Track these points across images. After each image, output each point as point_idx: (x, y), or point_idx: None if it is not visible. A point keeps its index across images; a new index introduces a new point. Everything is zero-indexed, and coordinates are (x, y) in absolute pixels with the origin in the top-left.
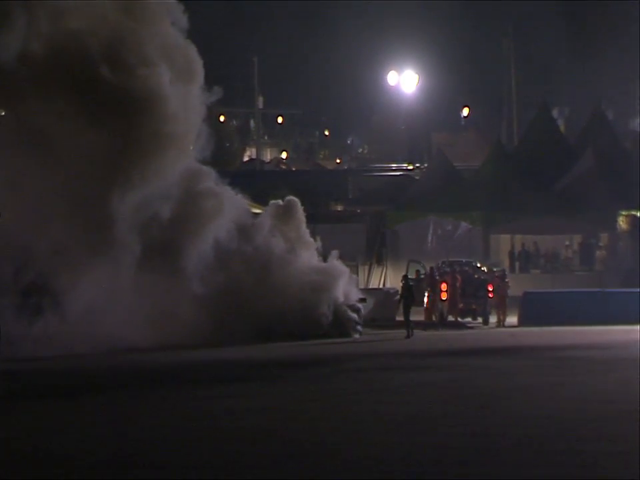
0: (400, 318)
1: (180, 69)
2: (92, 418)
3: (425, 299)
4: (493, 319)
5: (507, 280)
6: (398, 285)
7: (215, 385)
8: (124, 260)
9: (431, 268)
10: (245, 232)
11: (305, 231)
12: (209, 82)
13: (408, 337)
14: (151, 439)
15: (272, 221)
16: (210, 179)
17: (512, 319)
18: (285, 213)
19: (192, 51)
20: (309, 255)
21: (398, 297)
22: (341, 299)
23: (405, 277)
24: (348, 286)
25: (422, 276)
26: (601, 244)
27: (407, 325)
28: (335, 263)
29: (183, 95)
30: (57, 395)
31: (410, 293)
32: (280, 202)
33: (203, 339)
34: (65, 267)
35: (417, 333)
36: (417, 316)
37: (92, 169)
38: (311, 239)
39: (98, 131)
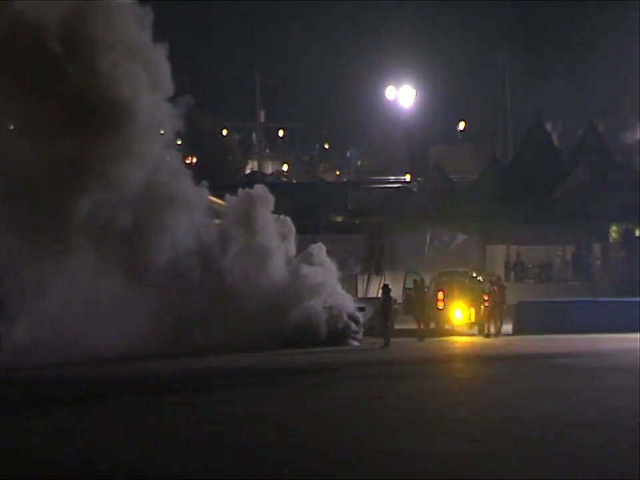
0: (398, 326)
1: (148, 74)
2: (85, 426)
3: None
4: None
5: (494, 288)
6: (396, 294)
7: (213, 392)
8: (81, 268)
9: (422, 279)
10: (204, 253)
11: (271, 234)
12: (212, 96)
13: (385, 345)
14: (148, 446)
15: (233, 229)
16: (181, 180)
17: (507, 327)
18: (246, 216)
19: (160, 55)
20: (276, 265)
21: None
22: (317, 308)
23: (385, 286)
24: (329, 293)
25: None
26: (599, 255)
27: (385, 334)
28: (308, 272)
29: (151, 101)
30: (48, 403)
31: (388, 304)
32: (248, 190)
33: (164, 349)
34: (23, 276)
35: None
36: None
37: (52, 175)
38: (274, 245)
39: (62, 138)
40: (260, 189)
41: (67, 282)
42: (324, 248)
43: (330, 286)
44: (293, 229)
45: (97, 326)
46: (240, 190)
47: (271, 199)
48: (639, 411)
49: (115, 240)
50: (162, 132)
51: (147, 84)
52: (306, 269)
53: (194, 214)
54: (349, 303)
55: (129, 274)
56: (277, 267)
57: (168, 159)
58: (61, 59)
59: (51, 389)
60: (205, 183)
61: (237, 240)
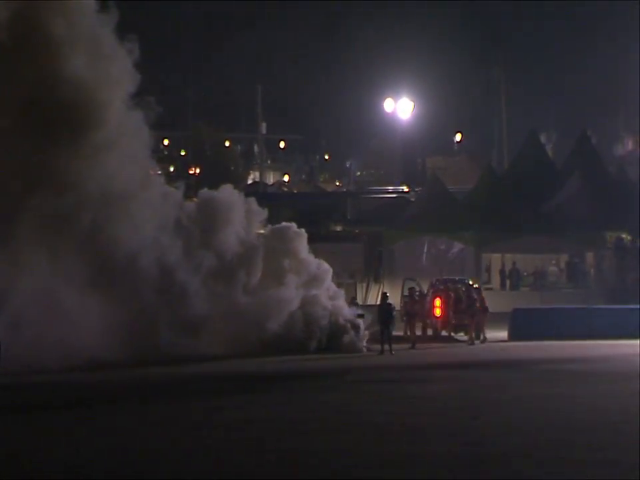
0: (396, 333)
1: (113, 78)
2: (87, 432)
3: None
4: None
5: (473, 296)
6: (395, 301)
7: (217, 397)
8: (39, 272)
9: (411, 289)
10: (164, 270)
11: (238, 256)
12: (215, 108)
13: (381, 353)
14: (151, 452)
15: (193, 246)
16: (146, 188)
17: (502, 334)
18: (208, 231)
19: (125, 59)
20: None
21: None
22: (288, 321)
23: (384, 295)
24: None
25: (417, 293)
26: (592, 263)
27: (382, 342)
28: (272, 294)
29: (116, 105)
30: (49, 409)
31: (388, 311)
32: (209, 195)
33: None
34: None
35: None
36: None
37: (10, 176)
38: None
39: (18, 139)
40: (226, 192)
41: (27, 286)
42: (304, 236)
43: (298, 293)
44: (259, 213)
45: (59, 331)
46: (201, 193)
47: (239, 204)
48: (632, 414)
49: (72, 242)
50: (166, 143)
51: (113, 87)
52: (271, 292)
53: (154, 223)
54: (344, 309)
55: (86, 278)
56: (240, 294)
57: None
58: (16, 58)
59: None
60: (180, 184)
61: (197, 258)
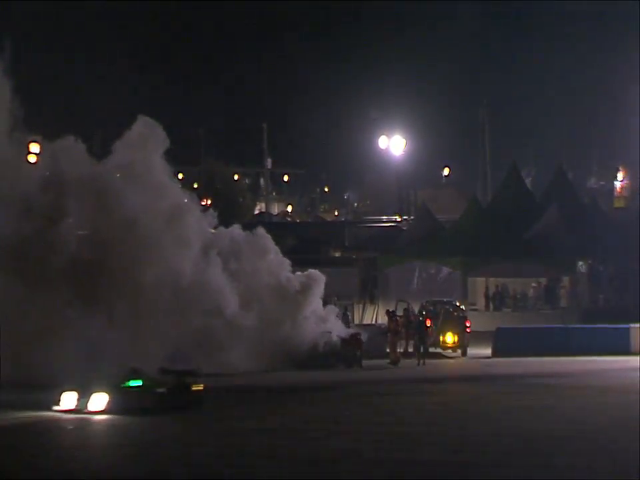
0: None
1: None
2: (108, 438)
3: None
4: (472, 351)
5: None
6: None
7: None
8: None
9: (390, 311)
10: None
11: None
12: (225, 145)
13: (420, 364)
14: (168, 457)
15: None
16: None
17: (487, 351)
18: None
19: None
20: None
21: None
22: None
23: (420, 313)
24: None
25: (411, 313)
26: (568, 286)
27: (418, 354)
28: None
29: None
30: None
31: (422, 326)
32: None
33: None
34: None
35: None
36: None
37: None
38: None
39: None
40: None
41: None
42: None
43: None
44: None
45: None
46: None
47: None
48: (606, 425)
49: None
50: (180, 177)
51: None
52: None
53: None
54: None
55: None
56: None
57: None
58: None
59: None
60: None
61: None
